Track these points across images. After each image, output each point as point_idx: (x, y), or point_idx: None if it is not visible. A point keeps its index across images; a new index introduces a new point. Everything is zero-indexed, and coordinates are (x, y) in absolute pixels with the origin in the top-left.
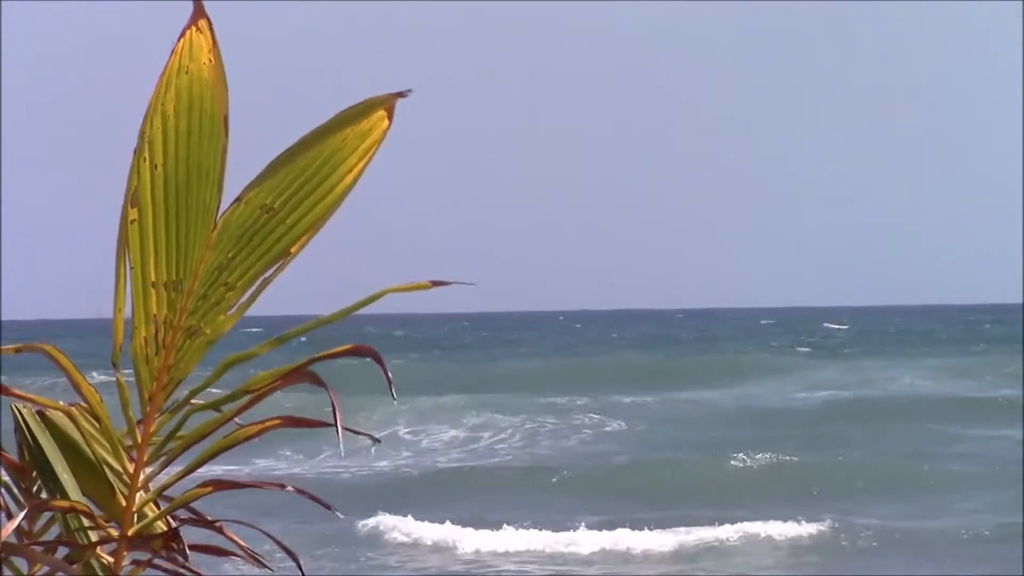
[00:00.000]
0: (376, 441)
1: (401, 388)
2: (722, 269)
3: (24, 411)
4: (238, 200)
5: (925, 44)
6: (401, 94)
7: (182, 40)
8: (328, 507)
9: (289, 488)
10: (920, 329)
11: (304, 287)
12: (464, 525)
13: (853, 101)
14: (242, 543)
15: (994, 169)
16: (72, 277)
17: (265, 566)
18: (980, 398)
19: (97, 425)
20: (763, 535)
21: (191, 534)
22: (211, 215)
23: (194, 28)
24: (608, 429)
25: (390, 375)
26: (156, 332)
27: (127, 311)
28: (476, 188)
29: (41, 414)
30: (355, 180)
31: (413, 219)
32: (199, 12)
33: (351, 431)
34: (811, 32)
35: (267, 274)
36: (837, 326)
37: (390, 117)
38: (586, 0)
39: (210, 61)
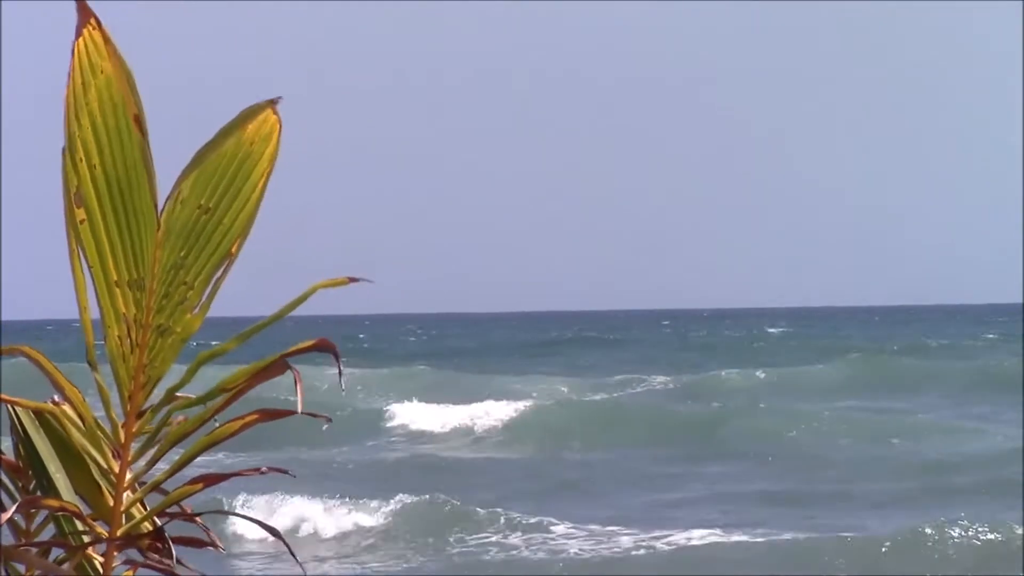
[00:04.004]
0: (329, 421)
1: None
2: (722, 269)
3: (19, 409)
4: (174, 198)
5: (926, 44)
6: (273, 101)
7: (81, 39)
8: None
9: (264, 469)
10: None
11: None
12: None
13: (854, 102)
14: (210, 531)
15: (995, 169)
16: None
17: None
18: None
19: (82, 425)
20: None
21: (185, 529)
22: (153, 213)
23: (90, 27)
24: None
25: (342, 368)
26: (128, 330)
27: (93, 311)
28: (475, 188)
29: (36, 412)
30: (267, 181)
31: (414, 219)
32: (85, 12)
33: (309, 414)
34: (812, 32)
35: (217, 274)
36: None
37: (280, 121)
38: (592, 0)
39: (112, 60)
